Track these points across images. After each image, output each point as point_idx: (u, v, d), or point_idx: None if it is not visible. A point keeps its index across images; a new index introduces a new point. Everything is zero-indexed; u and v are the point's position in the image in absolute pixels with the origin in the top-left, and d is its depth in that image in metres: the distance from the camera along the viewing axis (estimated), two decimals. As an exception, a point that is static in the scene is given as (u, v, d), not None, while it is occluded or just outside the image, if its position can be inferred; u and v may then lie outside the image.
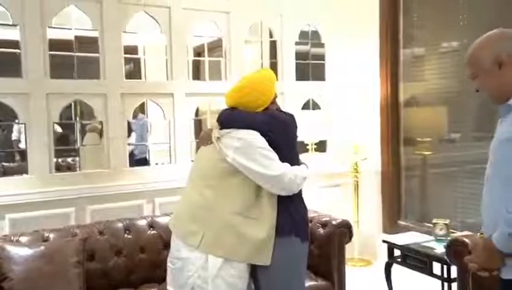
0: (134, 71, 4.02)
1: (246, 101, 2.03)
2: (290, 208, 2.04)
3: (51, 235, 2.60)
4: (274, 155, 1.97)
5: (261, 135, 1.97)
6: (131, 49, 3.76)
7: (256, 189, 1.99)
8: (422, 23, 4.05)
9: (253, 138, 1.96)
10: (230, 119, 2.03)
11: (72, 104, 3.42)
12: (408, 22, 4.13)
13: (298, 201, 2.10)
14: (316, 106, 4.33)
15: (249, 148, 1.94)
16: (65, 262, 2.41)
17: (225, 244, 1.94)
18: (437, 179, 3.99)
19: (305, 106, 4.28)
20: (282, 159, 1.99)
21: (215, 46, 4.11)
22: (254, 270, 2.03)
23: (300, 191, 2.09)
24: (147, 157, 3.86)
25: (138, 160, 3.95)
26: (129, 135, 3.75)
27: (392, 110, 4.20)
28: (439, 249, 2.60)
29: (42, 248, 2.45)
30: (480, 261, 1.58)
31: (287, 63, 4.14)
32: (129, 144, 3.69)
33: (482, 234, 1.64)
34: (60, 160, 3.73)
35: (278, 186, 1.96)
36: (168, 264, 2.11)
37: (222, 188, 1.99)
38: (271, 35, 4.14)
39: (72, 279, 2.40)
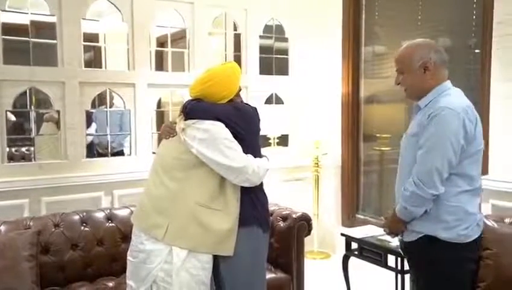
0: (94, 60, 3.91)
1: (210, 93, 2.01)
2: (252, 199, 2.06)
3: (2, 228, 2.50)
4: (238, 147, 1.97)
5: (226, 126, 1.97)
6: (91, 37, 3.64)
7: (220, 181, 2.00)
8: (383, 21, 4.14)
9: (218, 129, 1.96)
10: (195, 109, 2.01)
11: (28, 91, 3.29)
12: (370, 20, 4.21)
13: (260, 192, 2.13)
14: (279, 101, 4.35)
15: (214, 139, 1.94)
16: (17, 256, 2.32)
17: (190, 236, 1.93)
18: (394, 174, 4.10)
19: (268, 100, 4.30)
20: (245, 150, 2.00)
21: (179, 37, 4.06)
22: (215, 261, 2.04)
23: (262, 182, 2.11)
24: (123, 149, 3.78)
25: (114, 153, 3.85)
26: (89, 125, 3.64)
27: (352, 107, 4.28)
28: (394, 242, 2.68)
29: (-8, 240, 2.35)
30: (389, 227, 2.07)
31: (251, 56, 4.14)
32: (88, 135, 3.60)
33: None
34: (13, 150, 3.59)
35: (242, 177, 1.97)
36: (129, 257, 2.08)
37: (186, 180, 1.97)
38: (235, 28, 4.12)
39: (24, 273, 2.32)
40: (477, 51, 3.32)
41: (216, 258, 2.03)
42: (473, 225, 1.87)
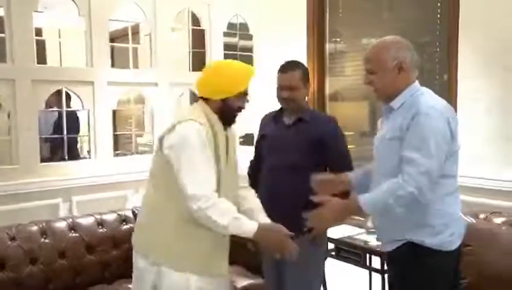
0: (47, 56, 3.64)
1: (207, 84, 1.79)
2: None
3: None
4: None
5: None
6: (43, 32, 3.38)
7: None
8: (347, 19, 4.15)
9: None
10: None
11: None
12: (334, 18, 4.20)
13: None
14: (244, 99, 4.25)
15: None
16: (-31, 275, 2.08)
17: (176, 255, 1.72)
18: (359, 172, 4.12)
19: (233, 99, 4.18)
20: None
21: (138, 32, 3.88)
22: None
23: None
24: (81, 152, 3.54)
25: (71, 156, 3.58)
26: (44, 127, 3.38)
27: (318, 104, 4.25)
28: (372, 241, 2.65)
29: None
30: (335, 217, 1.77)
31: (215, 53, 4.01)
32: (42, 137, 3.34)
33: None
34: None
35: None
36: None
37: (168, 188, 1.74)
38: (198, 24, 3.98)
39: (-22, 294, 2.08)
40: (438, 50, 3.37)
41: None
42: (456, 232, 1.77)
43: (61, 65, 3.37)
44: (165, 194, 1.74)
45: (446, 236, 1.73)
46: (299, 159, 2.13)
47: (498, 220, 2.37)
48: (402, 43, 1.80)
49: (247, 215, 1.74)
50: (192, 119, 1.70)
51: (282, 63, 2.41)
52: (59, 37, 3.39)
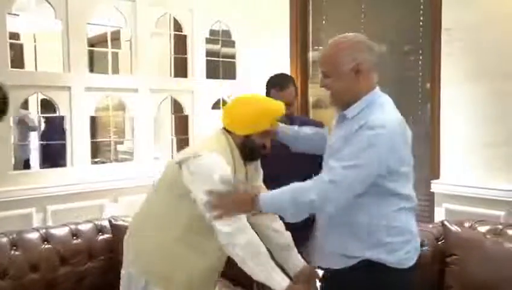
0: (23, 60, 3.52)
1: (231, 118, 1.74)
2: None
3: None
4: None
5: None
6: (19, 35, 3.27)
7: None
8: (330, 27, 4.13)
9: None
10: None
11: None
12: (317, 26, 4.19)
13: None
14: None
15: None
16: None
17: (162, 272, 1.66)
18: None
19: (216, 105, 4.12)
20: None
21: (118, 38, 3.80)
22: None
23: None
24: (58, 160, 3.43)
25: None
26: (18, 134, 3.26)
27: (301, 111, 4.21)
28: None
29: None
30: (227, 207, 1.60)
31: (197, 59, 3.93)
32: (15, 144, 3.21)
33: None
34: None
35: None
36: None
37: (169, 203, 1.69)
38: (180, 30, 3.91)
39: None
40: (421, 58, 3.36)
41: None
42: (412, 249, 1.69)
43: (36, 69, 3.24)
44: (165, 210, 1.68)
45: (402, 254, 1.65)
46: (303, 167, 1.99)
47: (483, 228, 2.33)
48: (360, 42, 1.67)
49: (278, 250, 1.74)
50: (213, 150, 1.64)
51: (272, 76, 2.34)
52: (34, 41, 3.27)
